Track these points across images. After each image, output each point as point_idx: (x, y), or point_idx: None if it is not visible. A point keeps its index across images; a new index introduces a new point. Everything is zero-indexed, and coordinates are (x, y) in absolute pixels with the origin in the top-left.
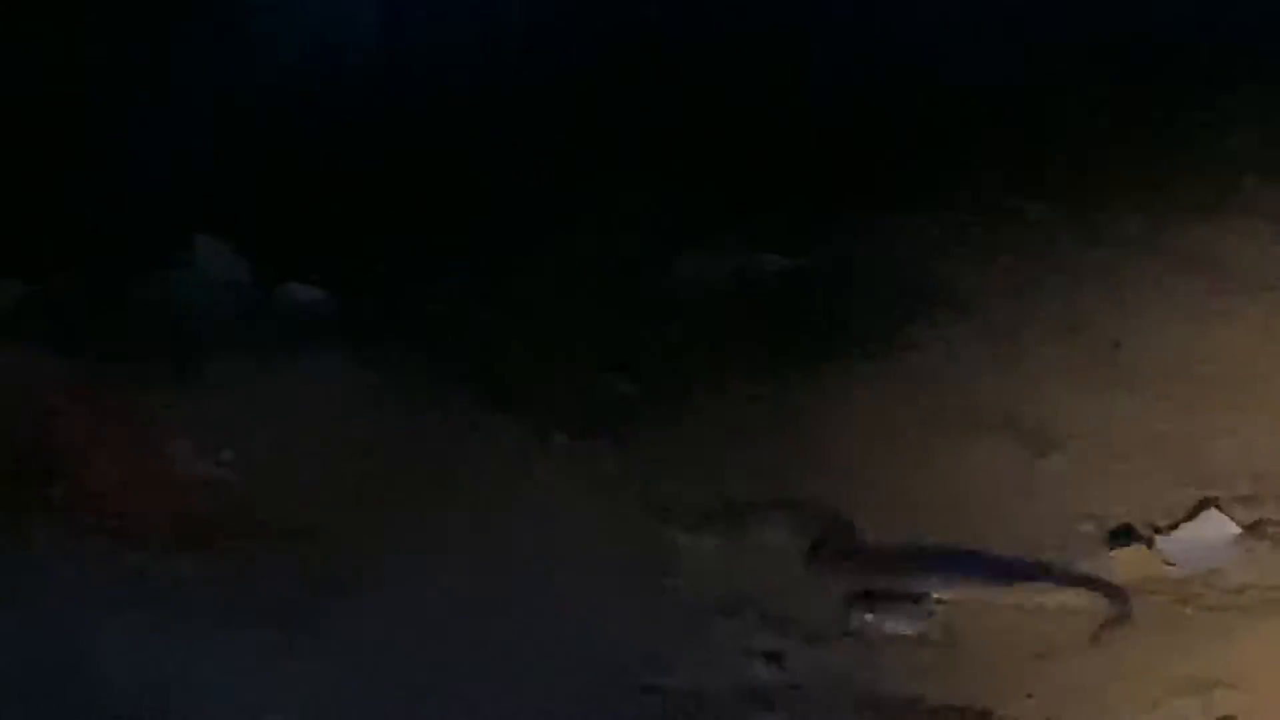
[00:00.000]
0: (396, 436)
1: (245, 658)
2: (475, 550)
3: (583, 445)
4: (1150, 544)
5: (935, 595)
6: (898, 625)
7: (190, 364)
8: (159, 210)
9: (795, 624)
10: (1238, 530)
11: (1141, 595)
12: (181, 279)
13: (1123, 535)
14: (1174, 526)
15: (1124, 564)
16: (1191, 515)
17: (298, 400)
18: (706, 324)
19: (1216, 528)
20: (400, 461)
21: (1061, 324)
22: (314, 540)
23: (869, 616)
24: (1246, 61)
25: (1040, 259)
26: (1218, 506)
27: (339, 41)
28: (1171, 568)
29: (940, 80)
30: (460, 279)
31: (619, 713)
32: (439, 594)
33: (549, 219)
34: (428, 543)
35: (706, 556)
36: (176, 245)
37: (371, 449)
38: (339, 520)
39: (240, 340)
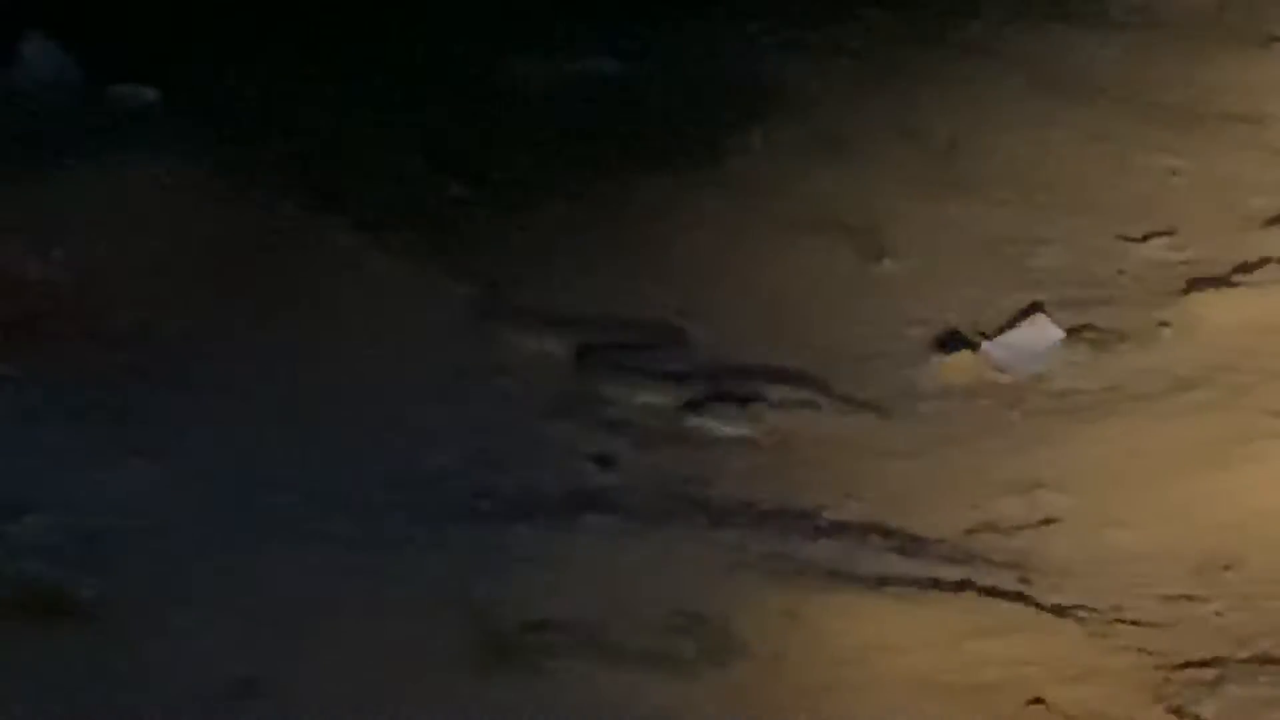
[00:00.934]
0: (227, 236)
1: (75, 456)
2: (305, 352)
3: (413, 246)
4: (977, 349)
5: (765, 400)
6: (728, 428)
7: (19, 163)
8: None
9: (627, 428)
10: (1063, 334)
11: (969, 400)
12: (10, 77)
13: (951, 341)
14: (1001, 331)
15: (952, 370)
16: (1019, 320)
17: (128, 200)
18: (538, 127)
19: (1043, 332)
20: (230, 261)
21: (897, 127)
22: (145, 339)
23: (700, 420)
24: None
25: (877, 62)
26: (1044, 311)
27: None
28: (999, 373)
29: None
30: (292, 79)
31: (449, 515)
32: (268, 394)
33: (381, 21)
34: (258, 342)
35: (538, 358)
36: (5, 43)
37: (202, 248)
38: (170, 320)
39: (70, 139)
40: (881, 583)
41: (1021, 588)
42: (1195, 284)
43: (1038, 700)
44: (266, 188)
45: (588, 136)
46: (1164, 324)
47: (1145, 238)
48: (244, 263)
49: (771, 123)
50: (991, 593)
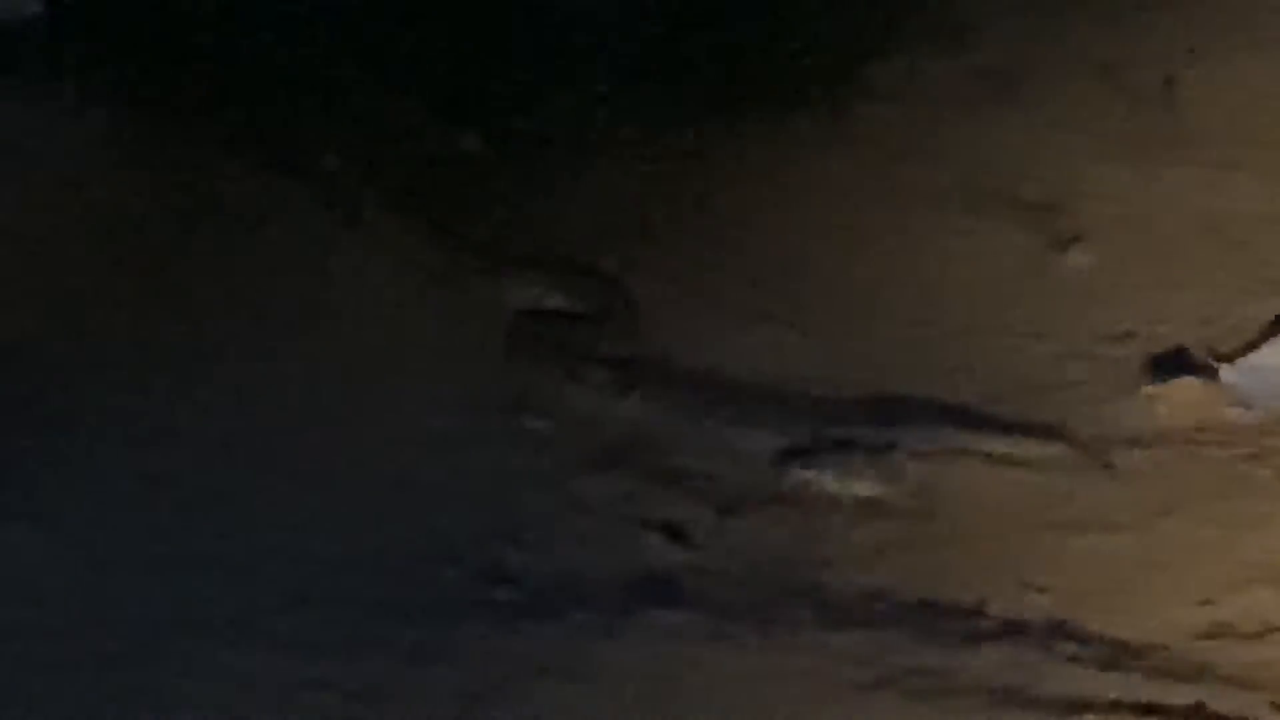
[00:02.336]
0: (140, 209)
1: None
2: (249, 381)
3: (408, 224)
4: (1207, 375)
5: (902, 446)
6: (850, 486)
7: None
8: None
9: (705, 485)
10: None
11: (1195, 447)
12: None
13: (1170, 363)
14: (1240, 351)
15: (1171, 404)
16: (1265, 335)
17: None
18: (583, 57)
19: None
20: (146, 246)
21: (1090, 61)
22: (12, 361)
23: (808, 474)
24: None
25: None
26: None
27: None
28: (1238, 409)
29: None
30: None
31: (452, 611)
32: (195, 439)
33: None
34: (180, 368)
35: (580, 389)
36: None
37: (105, 228)
38: (58, 334)
39: None
40: (1072, 710)
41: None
42: None
43: None
44: (197, 140)
45: (653, 73)
46: None
47: None
48: (166, 249)
49: (916, 54)
50: None
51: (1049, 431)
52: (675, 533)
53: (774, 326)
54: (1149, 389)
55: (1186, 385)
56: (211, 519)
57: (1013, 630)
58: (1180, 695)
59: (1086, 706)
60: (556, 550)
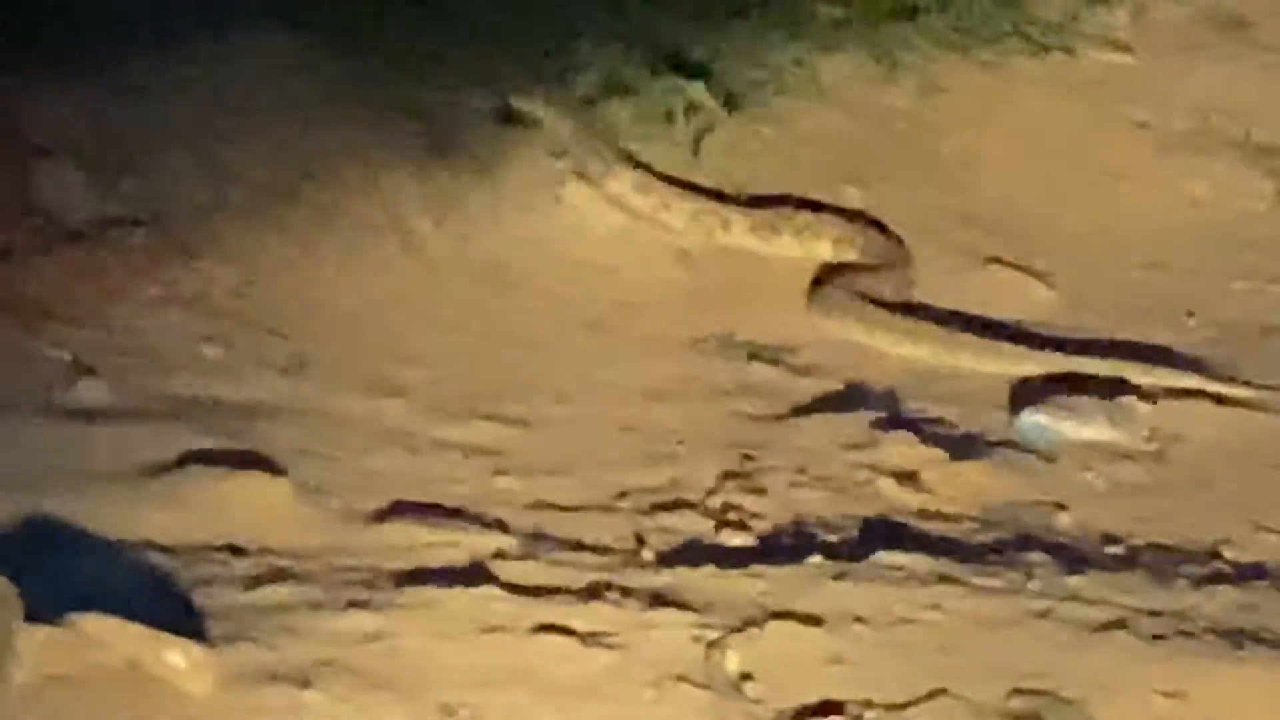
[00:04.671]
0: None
1: None
2: None
3: None
4: None
5: (1135, 390)
6: (1083, 431)
7: (83, 47)
8: None
9: (930, 426)
10: None
11: None
12: None
13: None
14: None
15: None
16: None
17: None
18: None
19: None
20: None
21: None
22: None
23: (1038, 418)
24: None
25: None
26: None
27: None
28: None
29: None
30: None
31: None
32: None
33: None
34: None
35: None
36: None
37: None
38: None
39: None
40: None
41: None
42: None
43: None
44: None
45: (882, 15)
46: None
47: None
48: None
49: None
50: None
51: None
52: (904, 476)
53: (1004, 270)
54: None
55: None
56: None
57: (1248, 573)
58: None
59: None
60: (789, 494)
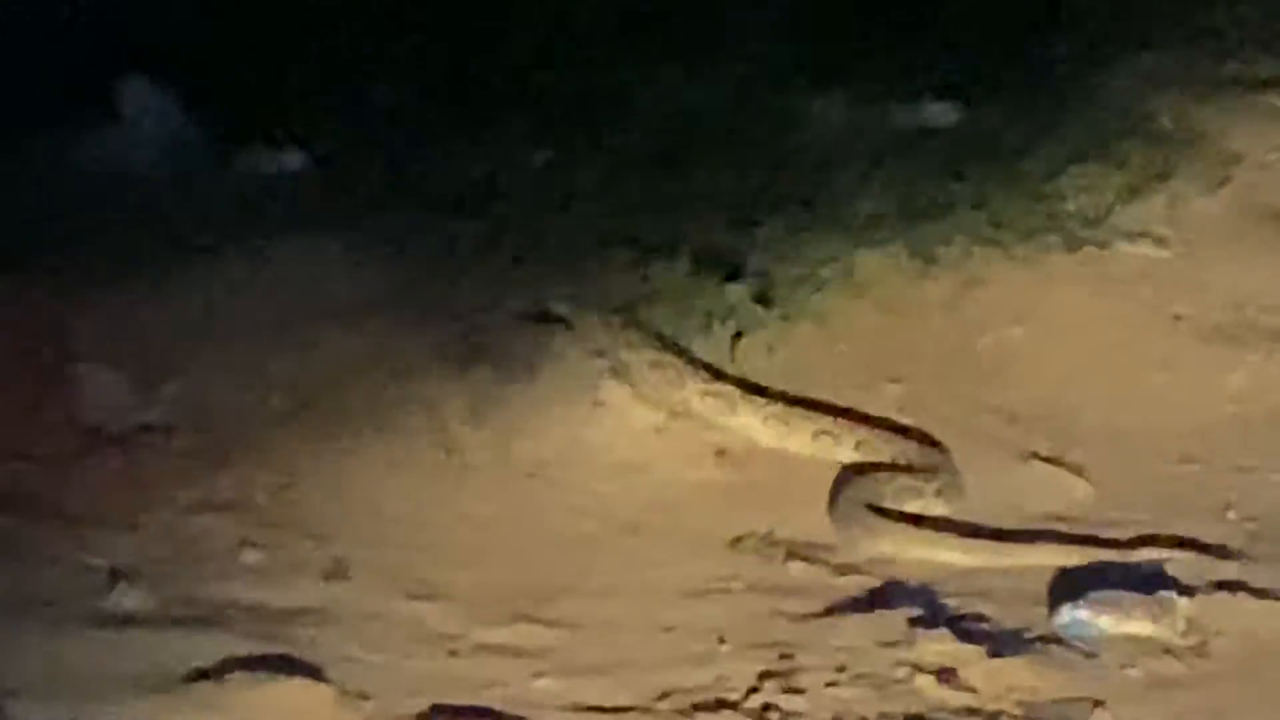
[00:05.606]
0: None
1: None
2: None
3: None
4: None
5: (1173, 582)
6: (1122, 623)
7: (117, 255)
8: None
9: (976, 623)
10: None
11: None
12: (106, 135)
13: None
14: None
15: None
16: None
17: (270, 308)
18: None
19: None
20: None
21: None
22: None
23: (1076, 614)
24: None
25: None
26: None
27: None
28: None
29: None
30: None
31: None
32: None
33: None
34: None
35: None
36: (99, 90)
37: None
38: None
39: (187, 221)
40: None
41: None
42: None
43: None
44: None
45: (919, 212)
46: None
47: None
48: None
49: (1179, 191)
50: None
51: None
52: (944, 674)
53: (1041, 465)
54: None
55: None
56: None
57: None
58: None
59: None
60: (829, 693)
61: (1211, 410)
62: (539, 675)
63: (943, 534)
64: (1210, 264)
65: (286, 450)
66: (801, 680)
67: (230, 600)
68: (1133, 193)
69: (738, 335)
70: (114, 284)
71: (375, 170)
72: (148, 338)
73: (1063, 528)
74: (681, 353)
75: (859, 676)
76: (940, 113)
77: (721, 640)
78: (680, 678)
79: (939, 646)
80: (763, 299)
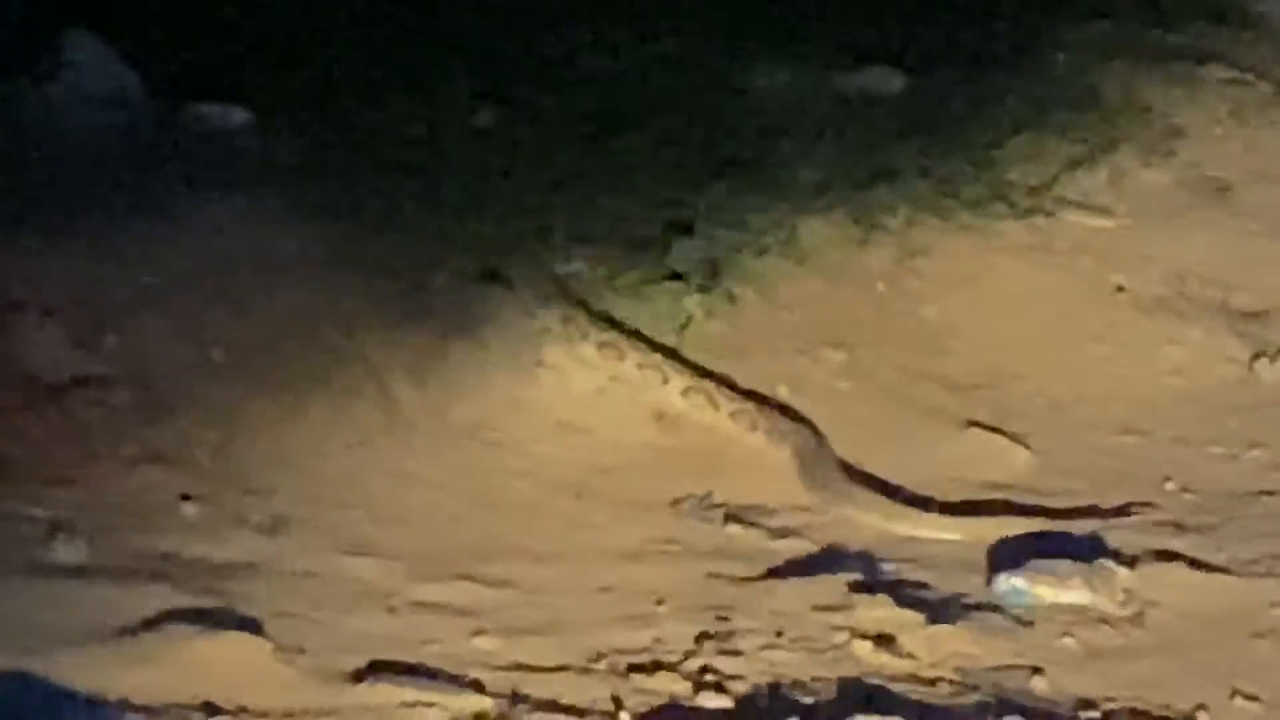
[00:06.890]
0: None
1: None
2: None
3: None
4: None
5: (1112, 551)
6: (1059, 595)
7: (60, 209)
8: None
9: (909, 591)
10: None
11: None
12: (50, 91)
13: None
14: None
15: None
16: None
17: (212, 262)
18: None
19: None
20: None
21: None
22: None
23: (1014, 581)
24: None
25: None
26: None
27: None
28: None
29: None
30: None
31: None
32: None
33: None
34: None
35: None
36: (43, 49)
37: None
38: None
39: (132, 176)
40: None
41: None
42: None
43: None
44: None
45: (859, 181)
46: None
47: None
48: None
49: (1123, 163)
50: None
51: (1259, 539)
52: (883, 639)
53: (982, 434)
54: None
55: None
56: None
57: None
58: None
59: None
60: (766, 656)
61: (1152, 382)
62: (477, 634)
63: (900, 506)
64: (1153, 236)
65: (226, 405)
66: (739, 643)
67: (169, 553)
68: (1077, 163)
69: (679, 301)
70: (55, 236)
71: (317, 128)
72: (89, 290)
73: (1003, 496)
74: (616, 324)
75: (796, 640)
76: (885, 80)
77: (660, 602)
78: (618, 639)
79: (878, 612)
80: (706, 265)
